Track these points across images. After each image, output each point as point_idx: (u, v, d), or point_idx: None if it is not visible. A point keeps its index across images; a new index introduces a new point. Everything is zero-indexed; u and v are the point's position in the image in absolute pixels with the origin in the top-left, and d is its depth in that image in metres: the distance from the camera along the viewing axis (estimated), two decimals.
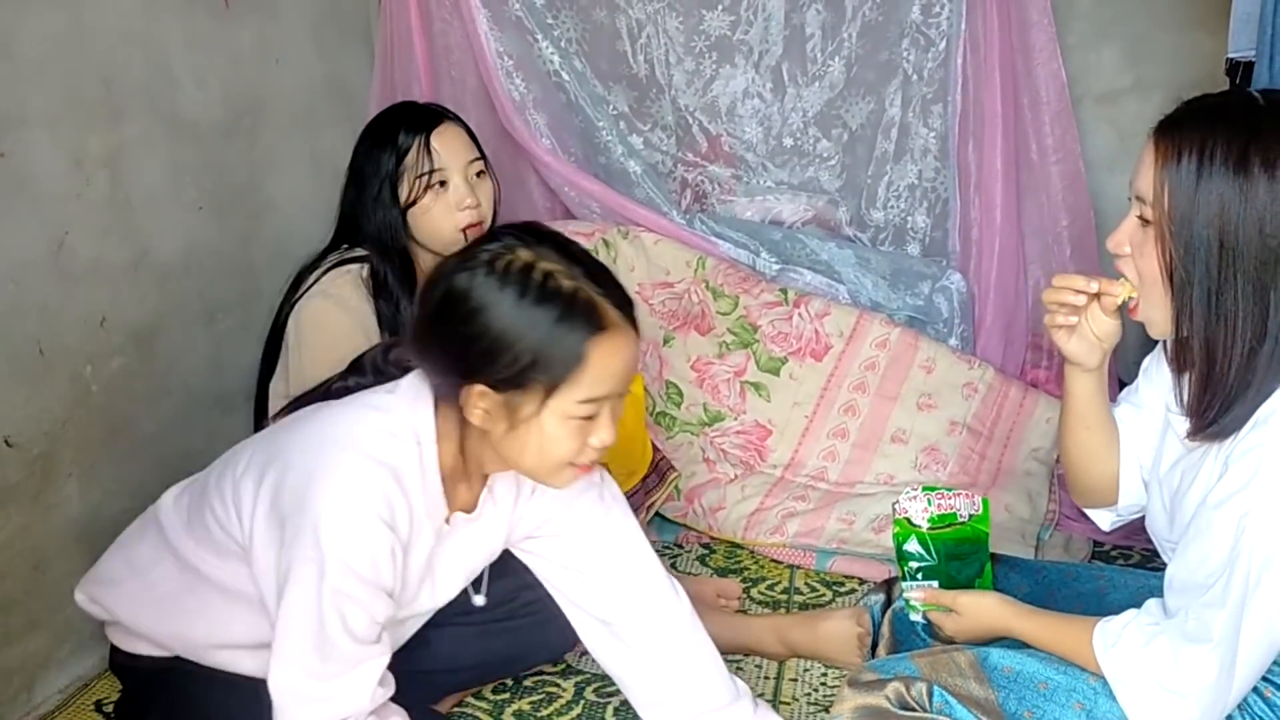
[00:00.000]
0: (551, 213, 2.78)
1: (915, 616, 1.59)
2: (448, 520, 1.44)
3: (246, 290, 2.38)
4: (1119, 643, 1.32)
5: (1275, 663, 1.32)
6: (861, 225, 2.72)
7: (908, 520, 1.57)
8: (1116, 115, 2.69)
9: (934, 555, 1.56)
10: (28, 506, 1.82)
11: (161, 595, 1.51)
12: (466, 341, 1.29)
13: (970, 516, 1.57)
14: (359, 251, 2.02)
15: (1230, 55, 1.96)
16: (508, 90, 2.65)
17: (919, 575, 1.57)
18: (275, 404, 2.04)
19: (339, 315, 1.94)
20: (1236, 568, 1.22)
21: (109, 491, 2.01)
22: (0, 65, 1.75)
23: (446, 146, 1.99)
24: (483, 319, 1.28)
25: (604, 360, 1.29)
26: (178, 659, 1.52)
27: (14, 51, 1.77)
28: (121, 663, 1.60)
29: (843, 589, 2.14)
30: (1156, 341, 1.48)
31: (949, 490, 1.58)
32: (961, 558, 1.56)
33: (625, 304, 1.33)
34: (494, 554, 1.55)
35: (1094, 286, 1.42)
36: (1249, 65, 1.85)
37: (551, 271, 1.29)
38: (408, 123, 2.00)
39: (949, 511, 1.57)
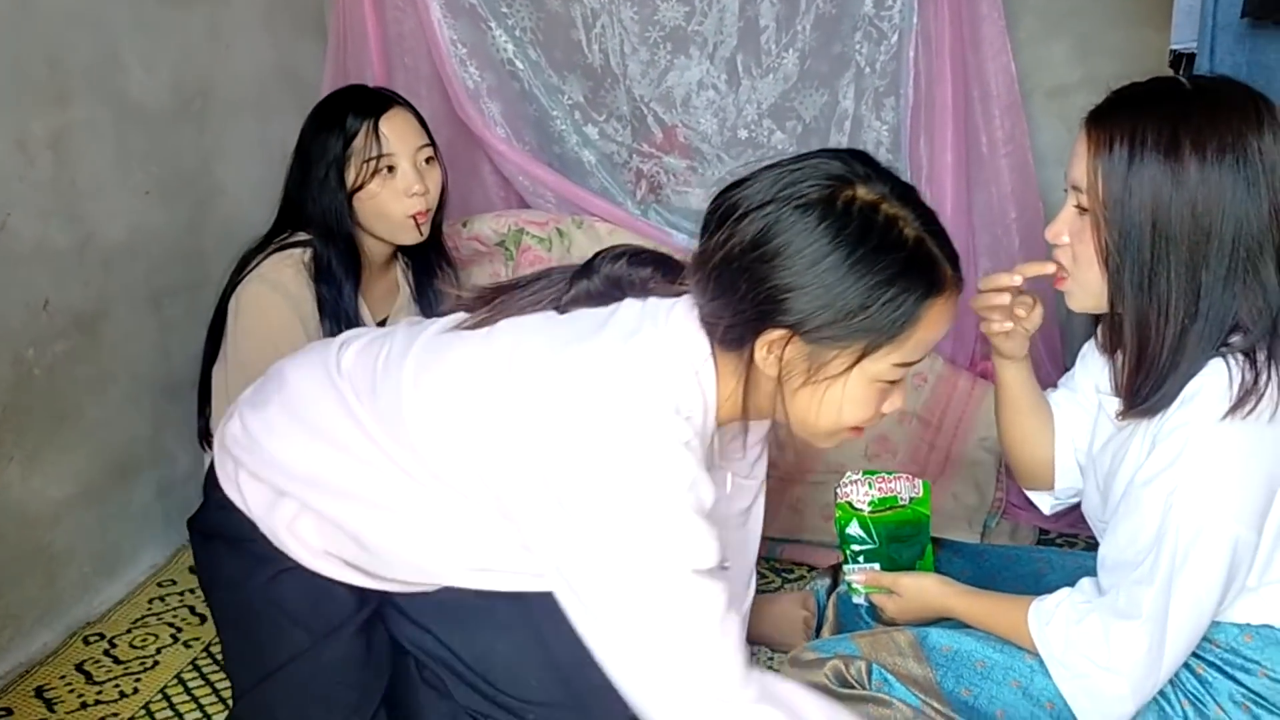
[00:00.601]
0: (506, 201, 2.77)
1: (858, 599, 1.60)
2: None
3: (195, 276, 2.36)
4: (1052, 620, 1.34)
5: (1207, 640, 1.34)
6: None
7: (849, 504, 1.58)
8: (1066, 109, 2.71)
9: (875, 538, 1.57)
10: None
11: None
12: (785, 286, 1.14)
13: (911, 500, 1.58)
14: (302, 236, 2.00)
15: (1173, 47, 1.99)
16: (461, 79, 2.64)
17: (861, 558, 1.58)
18: (218, 391, 2.03)
19: (276, 300, 1.92)
20: (1164, 544, 1.24)
21: (51, 477, 1.99)
22: None
23: (395, 132, 1.98)
24: (811, 264, 1.13)
25: (933, 324, 1.17)
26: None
27: None
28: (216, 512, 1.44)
29: (792, 576, 2.16)
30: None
31: (890, 474, 1.59)
32: (903, 540, 1.57)
33: (955, 258, 1.20)
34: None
35: (1017, 280, 1.44)
36: (1191, 56, 1.88)
37: (896, 217, 1.15)
38: (356, 106, 1.99)
39: (890, 495, 1.58)
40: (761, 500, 1.58)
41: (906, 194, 1.19)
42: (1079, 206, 1.32)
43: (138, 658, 1.93)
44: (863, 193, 1.15)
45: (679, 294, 1.27)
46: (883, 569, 1.58)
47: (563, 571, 1.19)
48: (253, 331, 1.92)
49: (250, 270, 1.96)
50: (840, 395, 1.19)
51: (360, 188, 1.96)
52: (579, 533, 1.16)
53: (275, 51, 2.67)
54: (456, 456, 1.28)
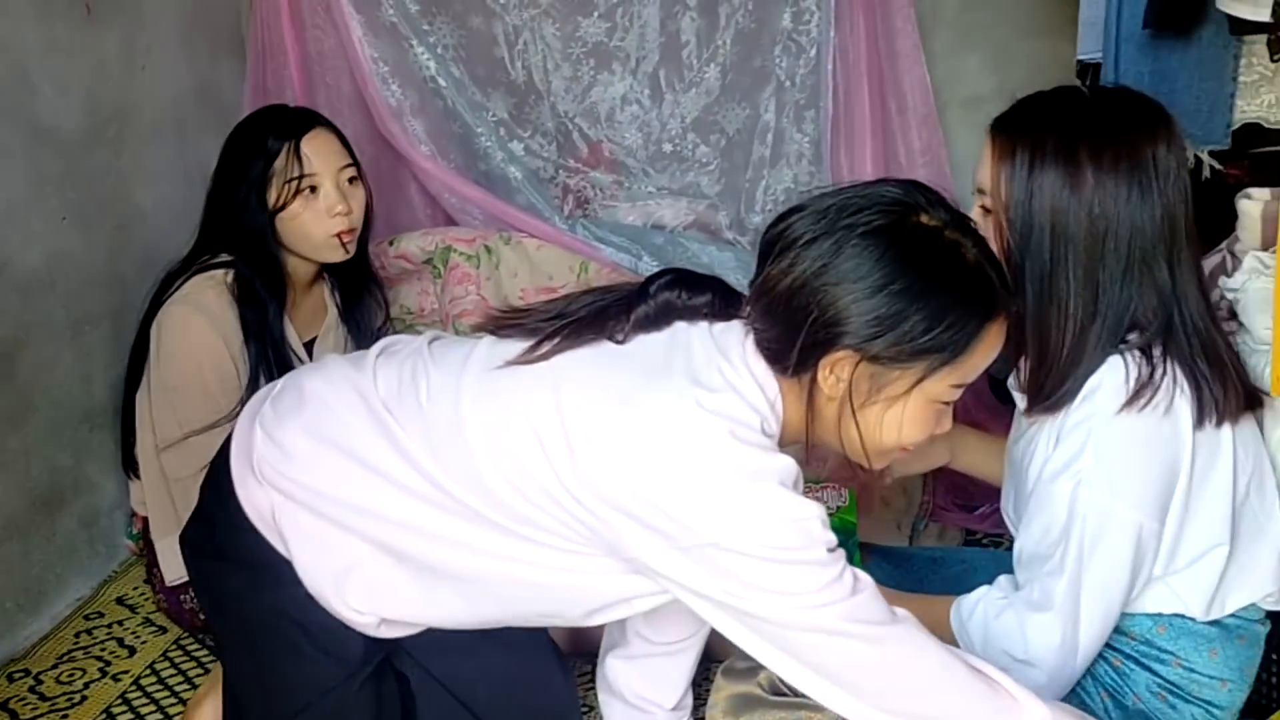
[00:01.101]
0: (432, 219, 2.76)
1: None
2: None
3: (116, 302, 2.32)
4: (972, 617, 1.38)
5: (1122, 633, 1.39)
6: (741, 229, 2.76)
7: None
8: (980, 119, 2.72)
9: None
10: None
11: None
12: (851, 310, 1.16)
13: (838, 508, 1.62)
14: (225, 257, 1.98)
15: (1079, 58, 2.05)
16: (384, 97, 2.63)
17: None
18: (142, 417, 2.00)
19: (200, 321, 1.90)
20: (1072, 536, 1.29)
21: None
22: None
23: (317, 152, 1.97)
24: (878, 289, 1.16)
25: (990, 344, 1.20)
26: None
27: None
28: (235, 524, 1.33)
29: None
30: None
31: (816, 483, 1.63)
32: None
33: (1008, 282, 1.23)
34: None
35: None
36: (1097, 66, 1.94)
37: (957, 242, 1.18)
38: (276, 127, 1.98)
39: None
40: None
41: (962, 222, 1.22)
42: (983, 208, 1.37)
43: (64, 694, 1.89)
44: (925, 220, 1.19)
45: (732, 319, 1.27)
46: None
47: (711, 596, 1.18)
48: (176, 354, 1.89)
49: (172, 293, 1.93)
50: (900, 415, 1.22)
51: (282, 208, 1.94)
52: (719, 559, 1.15)
53: (193, 72, 2.64)
54: (541, 508, 1.23)
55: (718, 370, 1.20)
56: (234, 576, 1.35)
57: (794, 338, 1.19)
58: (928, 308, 1.16)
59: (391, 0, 2.60)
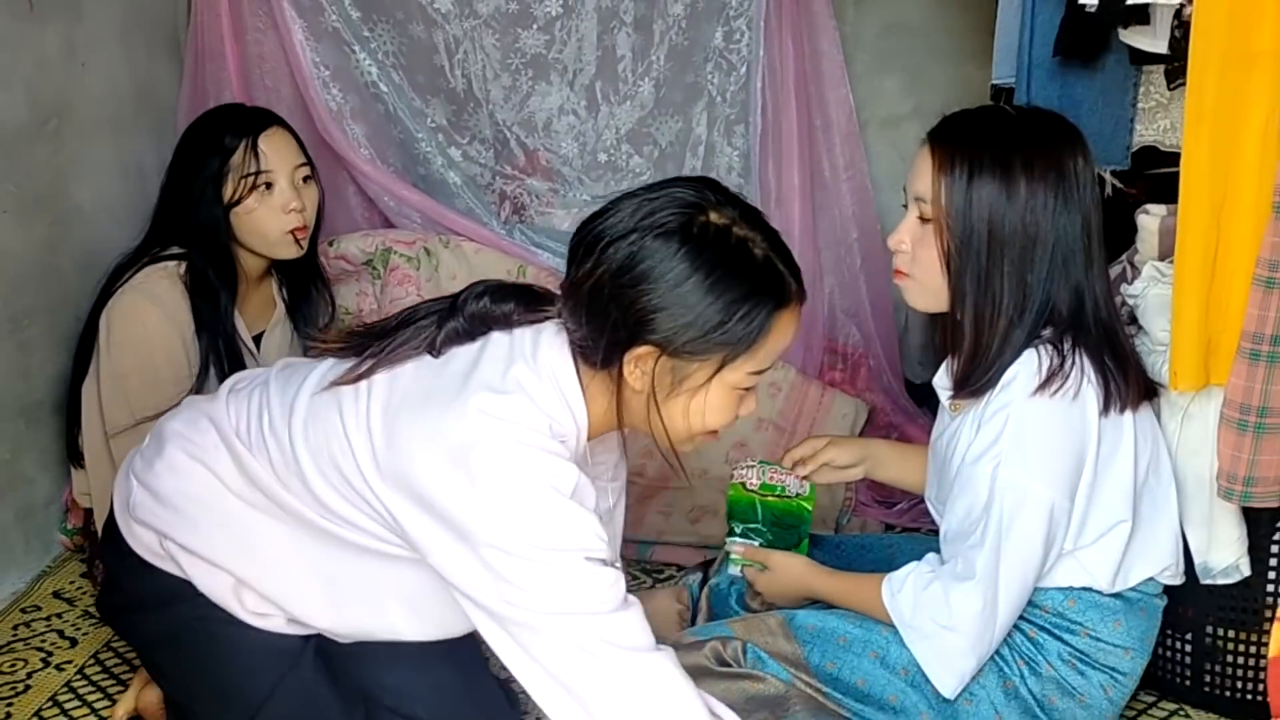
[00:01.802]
0: (370, 221, 2.81)
1: (734, 569, 1.74)
2: None
3: (53, 297, 2.32)
4: (901, 589, 1.49)
5: (1036, 606, 1.52)
6: None
7: (742, 485, 1.73)
8: (897, 138, 2.94)
9: (759, 518, 1.71)
10: None
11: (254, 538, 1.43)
12: (652, 307, 1.25)
13: (797, 495, 1.72)
14: (176, 250, 2.01)
15: (994, 82, 2.20)
16: (324, 100, 2.68)
17: (743, 533, 1.72)
18: (89, 406, 2.01)
19: (152, 311, 1.93)
20: (991, 511, 1.42)
21: None
22: None
23: (274, 149, 2.02)
24: (674, 286, 1.24)
25: (783, 333, 1.30)
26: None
27: None
28: (136, 570, 1.48)
29: (662, 575, 2.26)
30: (934, 345, 1.70)
31: (783, 469, 1.74)
32: (784, 527, 1.72)
33: (798, 272, 1.33)
34: None
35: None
36: (1010, 90, 2.09)
37: (746, 237, 1.27)
38: (235, 124, 2.01)
39: (779, 484, 1.73)
40: (623, 502, 1.66)
41: (753, 216, 1.32)
42: (921, 216, 1.49)
43: (8, 683, 1.89)
44: (715, 218, 1.28)
45: (542, 322, 1.37)
46: (760, 547, 1.71)
47: (475, 597, 1.27)
48: (128, 342, 1.92)
49: (123, 283, 1.95)
50: (703, 403, 1.31)
51: (237, 202, 1.98)
52: (487, 555, 1.24)
53: (131, 70, 2.64)
54: (361, 511, 1.35)
55: (512, 375, 1.29)
56: (153, 614, 1.48)
57: (599, 336, 1.29)
58: (720, 302, 1.25)
59: (334, 6, 2.65)
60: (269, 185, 2.00)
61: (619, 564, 1.33)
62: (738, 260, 1.26)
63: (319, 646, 1.49)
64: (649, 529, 2.35)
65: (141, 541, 1.47)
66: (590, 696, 1.24)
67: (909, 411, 2.73)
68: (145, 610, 1.49)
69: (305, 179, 2.07)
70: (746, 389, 1.33)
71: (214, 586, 1.43)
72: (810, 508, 1.74)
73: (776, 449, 2.57)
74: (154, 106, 2.73)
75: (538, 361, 1.31)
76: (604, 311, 1.28)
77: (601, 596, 1.25)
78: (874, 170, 2.85)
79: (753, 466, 1.76)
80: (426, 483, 1.26)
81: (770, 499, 1.73)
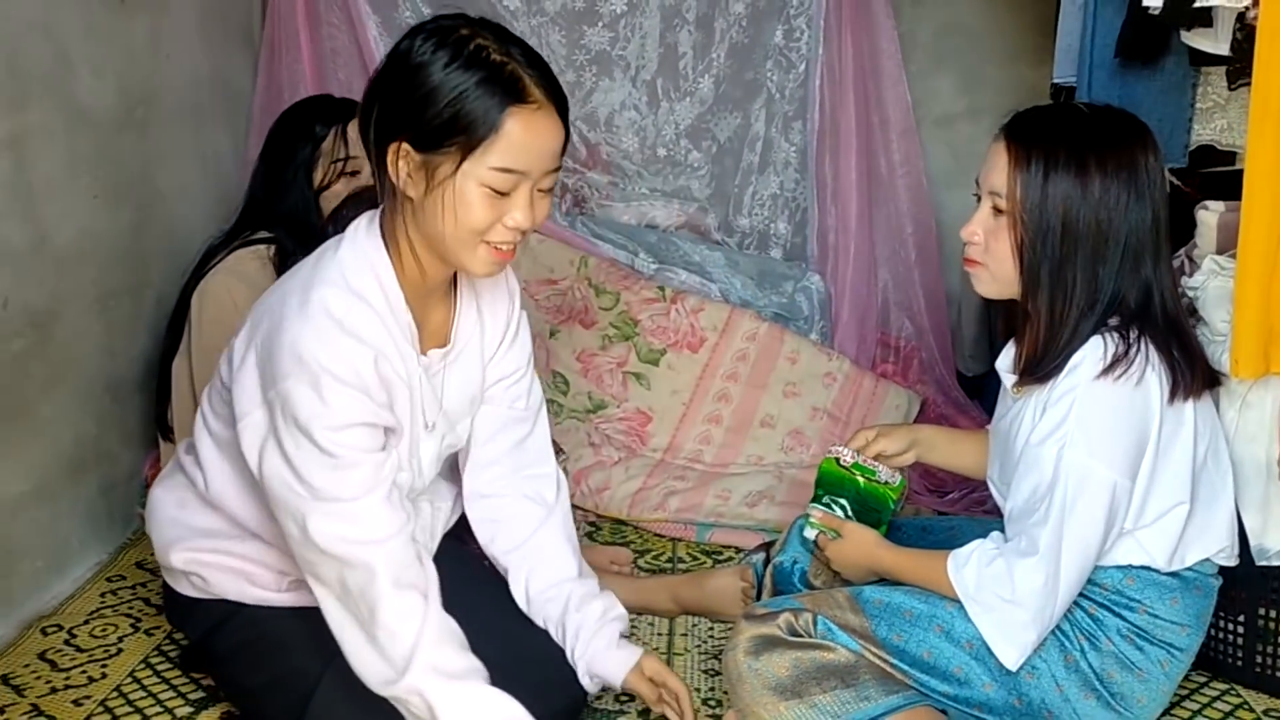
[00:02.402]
0: None
1: (809, 533, 1.80)
2: (424, 352, 1.52)
3: (136, 279, 2.42)
4: (966, 564, 1.55)
5: (1096, 584, 1.57)
6: (729, 230, 2.94)
7: (836, 460, 1.80)
8: (951, 137, 3.00)
9: (845, 493, 1.78)
10: None
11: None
12: (399, 95, 1.36)
13: (886, 482, 1.79)
14: (264, 234, 2.10)
15: (1054, 81, 2.26)
16: None
17: (826, 504, 1.79)
18: (179, 383, 2.10)
19: (243, 290, 2.02)
20: (1056, 490, 1.48)
21: (8, 473, 2.03)
22: None
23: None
24: (415, 74, 1.35)
25: (521, 132, 1.35)
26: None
27: None
28: (188, 609, 1.67)
29: (721, 557, 2.33)
30: (989, 337, 1.74)
31: (880, 466, 1.81)
32: (866, 508, 1.78)
33: (554, 90, 1.39)
34: (476, 398, 1.63)
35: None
36: (1071, 89, 2.15)
37: (486, 45, 1.36)
38: (325, 113, 2.10)
39: (871, 468, 1.79)
40: (535, 394, 1.72)
41: (510, 39, 1.39)
42: (996, 208, 1.54)
43: (100, 646, 1.98)
44: (465, 31, 1.38)
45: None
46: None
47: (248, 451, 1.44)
48: (220, 320, 2.01)
49: (214, 265, 2.04)
50: (454, 199, 1.37)
51: (326, 187, 2.07)
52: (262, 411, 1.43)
53: (209, 62, 2.74)
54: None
55: (330, 244, 1.49)
56: (217, 640, 1.64)
57: (372, 144, 1.41)
58: (448, 93, 1.33)
59: (407, 1, 2.74)
60: (355, 172, 2.09)
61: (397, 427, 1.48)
62: (471, 56, 1.35)
63: None
64: (707, 512, 2.42)
65: (184, 581, 1.64)
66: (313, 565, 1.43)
67: (961, 403, 2.78)
68: (211, 642, 1.64)
69: None
70: (502, 192, 1.37)
71: (230, 586, 1.60)
72: (896, 497, 1.80)
73: (831, 437, 2.64)
74: (229, 97, 2.83)
75: (348, 235, 1.47)
76: (372, 110, 1.40)
77: (345, 473, 1.39)
78: (927, 168, 2.91)
79: (849, 451, 1.82)
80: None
81: (859, 479, 1.79)
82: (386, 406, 1.44)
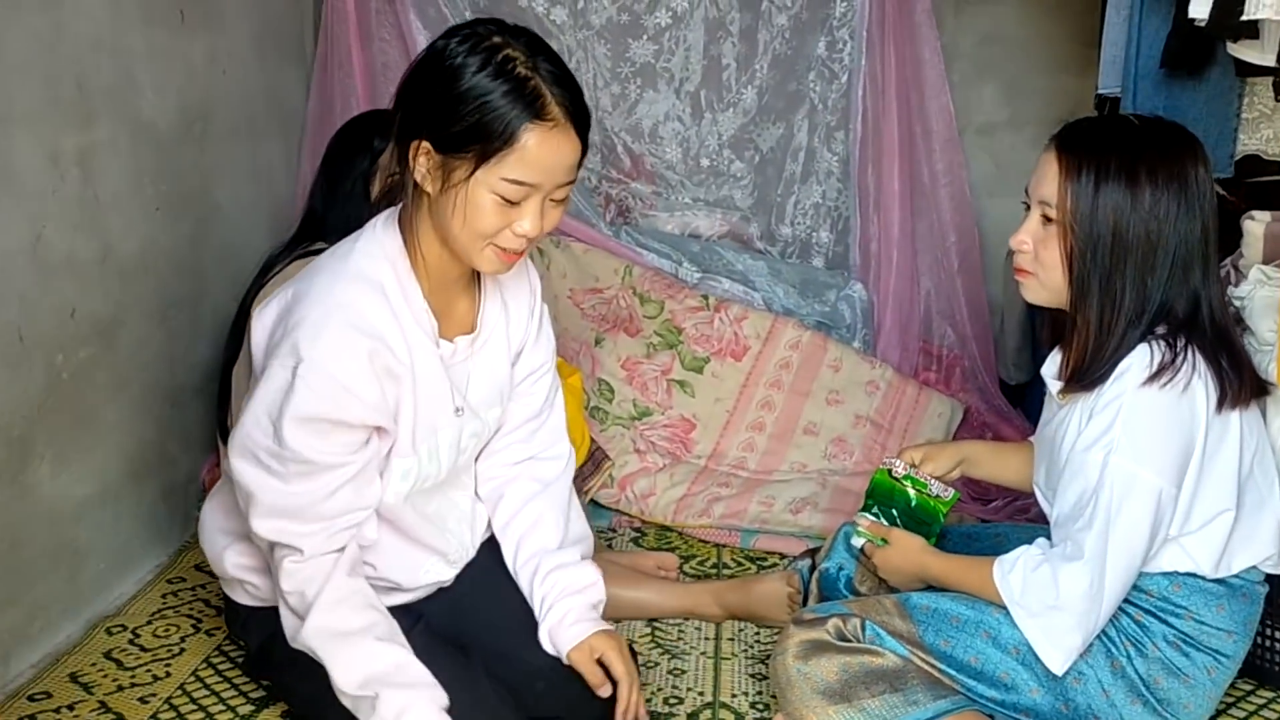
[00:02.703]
0: None
1: (856, 541, 1.83)
2: (451, 339, 1.56)
3: (195, 290, 2.48)
4: (1012, 570, 1.58)
5: (1142, 590, 1.59)
6: (771, 239, 2.97)
7: (888, 471, 1.84)
8: (994, 146, 3.01)
9: (896, 504, 1.81)
10: (6, 486, 1.89)
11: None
12: (427, 95, 1.40)
13: (937, 496, 1.81)
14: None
15: (1099, 91, 2.27)
16: None
17: (876, 513, 1.82)
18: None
19: None
20: (1101, 495, 1.50)
21: (76, 476, 2.10)
22: None
23: None
24: (444, 77, 1.39)
25: (536, 147, 1.38)
26: None
27: (3, 51, 1.87)
28: (246, 619, 1.72)
29: (765, 564, 2.36)
30: (1032, 346, 1.75)
31: (933, 479, 1.83)
32: (915, 520, 1.80)
33: (575, 108, 1.41)
34: (505, 389, 1.66)
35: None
36: (1115, 101, 2.17)
37: (514, 57, 1.39)
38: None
39: (923, 481, 1.82)
40: (554, 380, 1.76)
41: (539, 50, 1.41)
42: (1045, 217, 1.56)
43: (163, 645, 2.04)
44: (498, 40, 1.40)
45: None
46: None
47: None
48: None
49: (274, 274, 2.10)
50: (465, 201, 1.40)
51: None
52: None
53: (263, 78, 2.81)
54: None
55: (340, 252, 1.53)
56: (275, 647, 1.63)
57: (397, 132, 1.45)
58: (472, 100, 1.36)
59: (456, 18, 2.79)
60: None
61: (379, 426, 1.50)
62: (498, 68, 1.37)
63: (429, 625, 1.63)
64: (752, 519, 2.45)
65: (239, 590, 1.70)
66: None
67: (1003, 412, 2.79)
68: (268, 650, 1.68)
69: None
70: (512, 201, 1.40)
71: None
72: (945, 511, 1.82)
73: (874, 445, 2.66)
74: (282, 112, 2.89)
75: (368, 226, 1.52)
76: (401, 104, 1.44)
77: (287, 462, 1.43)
78: (971, 176, 2.92)
79: (901, 464, 1.85)
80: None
81: (911, 492, 1.82)
82: (374, 407, 1.46)
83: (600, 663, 1.58)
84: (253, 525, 1.47)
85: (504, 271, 1.51)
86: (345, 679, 1.46)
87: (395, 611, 1.57)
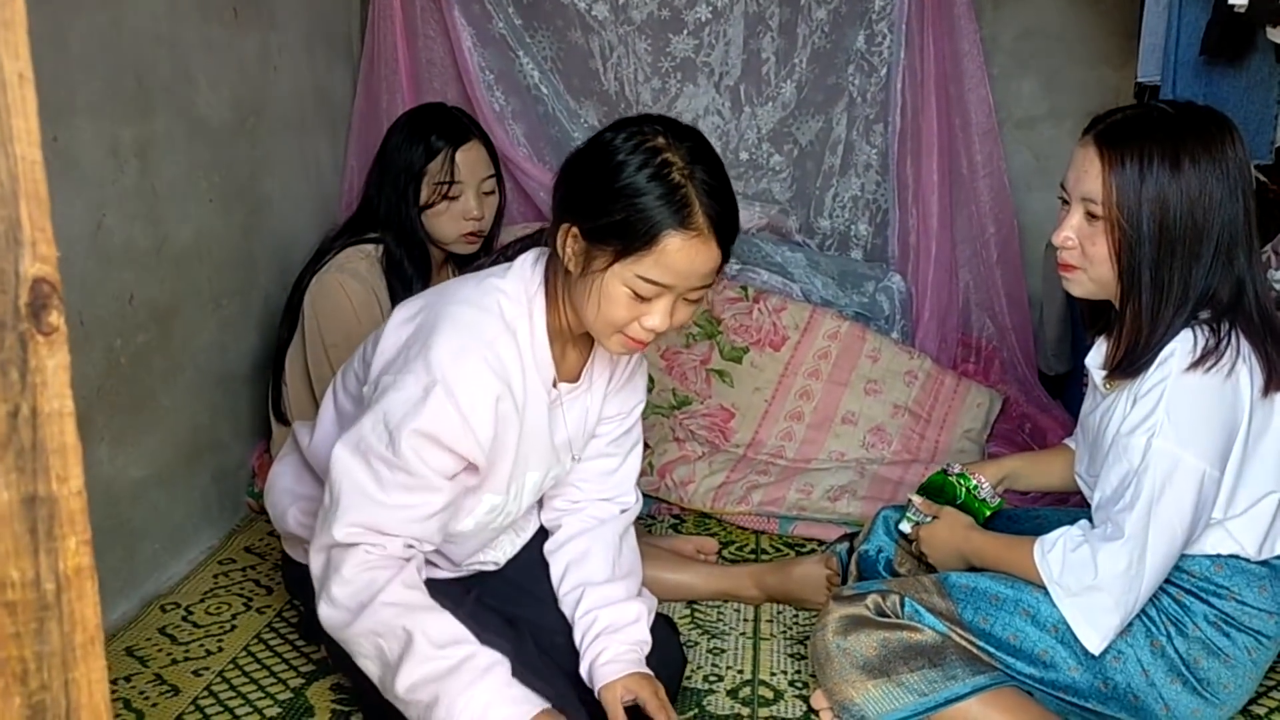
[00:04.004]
0: (524, 215, 3.00)
1: (905, 526, 1.87)
2: (555, 385, 1.59)
3: (246, 280, 2.55)
4: (1052, 549, 1.59)
5: (1184, 571, 1.60)
6: (810, 232, 2.99)
7: (944, 470, 1.89)
8: (1033, 139, 3.02)
9: (944, 496, 1.85)
10: None
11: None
12: (583, 184, 1.45)
13: (984, 500, 1.85)
14: (372, 235, 2.21)
15: (1139, 80, 2.28)
16: (489, 101, 2.87)
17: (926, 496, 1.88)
18: (293, 368, 2.22)
19: (355, 285, 2.14)
20: (1145, 478, 1.50)
21: (131, 457, 2.16)
22: (56, 57, 1.91)
23: (468, 163, 2.22)
24: (603, 170, 1.43)
25: (675, 253, 1.41)
26: None
27: (67, 45, 1.94)
28: (305, 577, 1.67)
29: (803, 549, 2.38)
30: (1072, 337, 1.75)
31: (986, 482, 1.87)
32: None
33: (721, 219, 1.43)
34: (590, 432, 1.69)
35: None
36: (1155, 88, 2.17)
37: (673, 163, 1.42)
38: (441, 130, 2.22)
39: (975, 483, 1.86)
40: (635, 433, 1.79)
41: (702, 156, 1.44)
42: (1090, 214, 1.57)
43: (215, 623, 2.10)
44: (659, 142, 1.44)
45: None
46: None
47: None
48: (334, 314, 2.13)
49: (325, 262, 2.16)
50: (600, 290, 1.44)
51: (430, 205, 2.19)
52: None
53: (312, 74, 2.88)
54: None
55: (492, 273, 1.56)
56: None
57: (552, 206, 1.52)
58: (624, 200, 1.40)
59: (500, 14, 2.85)
60: (456, 196, 2.20)
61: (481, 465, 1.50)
62: (656, 172, 1.41)
63: (482, 598, 1.66)
64: (790, 505, 2.48)
65: (298, 548, 1.72)
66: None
67: (1042, 403, 2.80)
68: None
69: (489, 192, 2.27)
70: (644, 297, 1.44)
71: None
72: (989, 513, 1.85)
73: (912, 435, 2.67)
74: (329, 108, 2.96)
75: (511, 269, 1.54)
76: (561, 183, 1.51)
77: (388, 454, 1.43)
78: (1010, 169, 2.93)
79: (957, 466, 1.91)
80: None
81: (961, 488, 1.86)
82: (481, 445, 1.47)
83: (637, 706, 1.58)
84: (334, 528, 1.44)
85: (628, 354, 1.56)
86: (429, 641, 1.42)
87: (447, 583, 1.61)
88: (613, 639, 1.62)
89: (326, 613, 1.46)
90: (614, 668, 1.59)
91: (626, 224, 1.40)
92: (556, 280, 1.52)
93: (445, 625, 1.44)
